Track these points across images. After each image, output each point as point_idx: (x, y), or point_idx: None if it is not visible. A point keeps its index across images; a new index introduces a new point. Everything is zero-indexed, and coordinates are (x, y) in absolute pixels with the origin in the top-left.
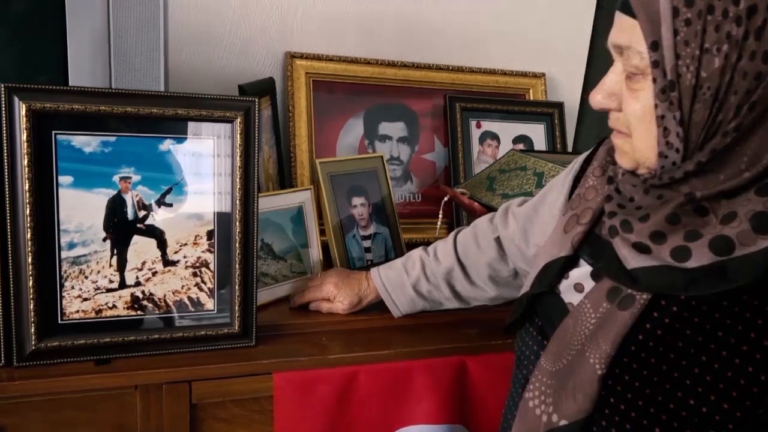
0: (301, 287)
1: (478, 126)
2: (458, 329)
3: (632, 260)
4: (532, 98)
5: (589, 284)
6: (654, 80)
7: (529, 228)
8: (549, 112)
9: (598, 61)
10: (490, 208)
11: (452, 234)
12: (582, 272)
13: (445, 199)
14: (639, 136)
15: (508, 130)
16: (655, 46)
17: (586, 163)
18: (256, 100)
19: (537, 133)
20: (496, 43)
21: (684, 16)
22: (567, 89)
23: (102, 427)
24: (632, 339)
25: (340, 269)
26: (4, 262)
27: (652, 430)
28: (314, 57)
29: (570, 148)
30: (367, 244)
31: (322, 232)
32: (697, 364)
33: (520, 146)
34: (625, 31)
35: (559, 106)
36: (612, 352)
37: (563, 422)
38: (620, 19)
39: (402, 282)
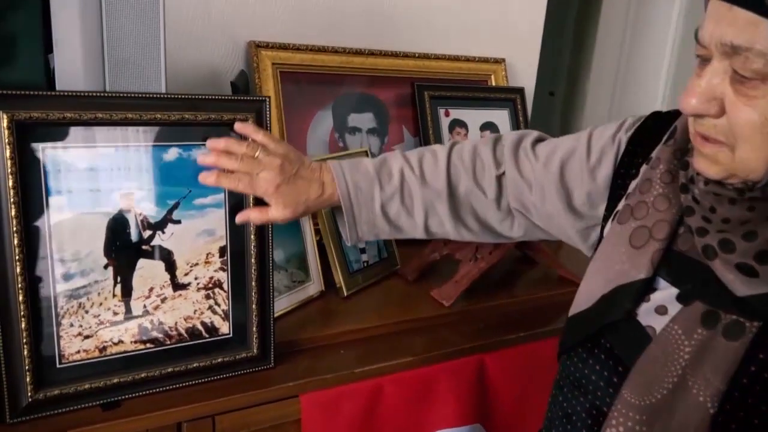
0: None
1: (447, 114)
2: (475, 324)
3: (741, 286)
4: (494, 84)
5: (674, 307)
6: None
7: (549, 188)
8: (512, 98)
9: (549, 46)
10: None
11: (443, 151)
12: (665, 294)
13: None
14: (750, 147)
15: (475, 118)
16: None
17: (634, 145)
18: (267, 99)
19: (502, 119)
20: (455, 30)
21: None
22: (525, 74)
23: None
24: (743, 371)
25: (287, 150)
26: None
27: None
28: (280, 47)
29: None
30: (361, 245)
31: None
32: None
33: (487, 133)
34: (744, 28)
35: (520, 91)
36: (724, 388)
37: None
38: (733, 13)
39: (371, 196)
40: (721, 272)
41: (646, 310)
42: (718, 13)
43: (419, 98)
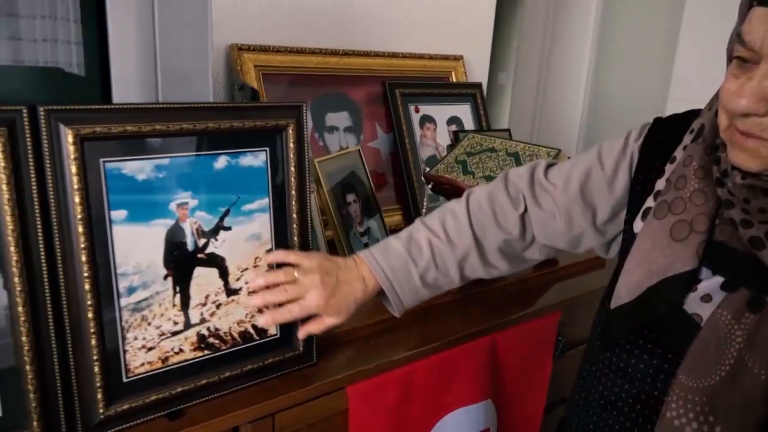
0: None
1: (417, 110)
2: (483, 306)
3: None
4: (455, 80)
5: (718, 295)
6: None
7: (574, 210)
8: (472, 93)
9: (500, 43)
10: None
11: (461, 207)
12: (710, 283)
13: (430, 185)
14: None
15: (441, 113)
16: None
17: (647, 153)
18: (304, 104)
19: (465, 113)
20: (418, 29)
21: None
22: (479, 70)
23: None
24: None
25: (320, 261)
26: (59, 322)
27: None
28: (261, 49)
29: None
30: (365, 240)
31: None
32: None
33: (453, 127)
34: None
35: (479, 86)
36: None
37: None
38: None
39: (409, 275)
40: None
41: (691, 299)
42: None
43: (391, 96)
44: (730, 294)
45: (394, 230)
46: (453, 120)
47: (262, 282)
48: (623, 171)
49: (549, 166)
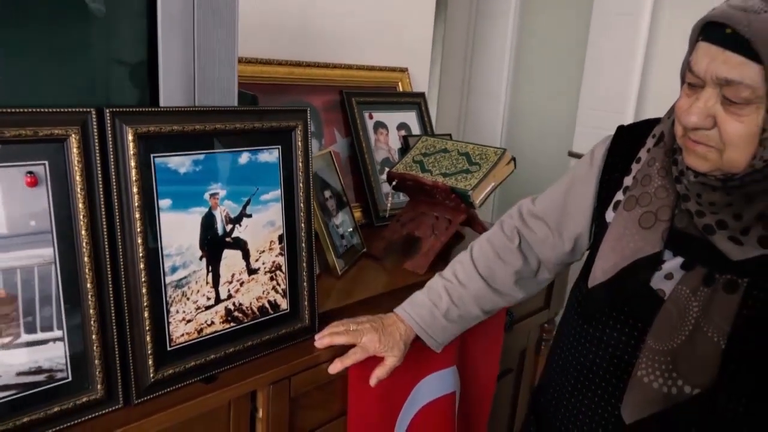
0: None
1: (371, 117)
2: None
3: (736, 254)
4: (401, 89)
5: (678, 273)
6: (767, 110)
7: (564, 224)
8: (417, 101)
9: (448, 60)
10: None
11: (466, 254)
12: (671, 264)
13: (393, 183)
14: (736, 150)
15: (392, 119)
16: None
17: (612, 157)
18: (308, 108)
19: (411, 119)
20: (368, 43)
21: None
22: (421, 80)
23: None
24: (739, 315)
25: (367, 317)
26: (118, 296)
27: (765, 381)
28: None
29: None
30: (341, 231)
31: None
32: None
33: (402, 132)
34: (735, 67)
35: (422, 95)
36: (729, 329)
37: (696, 391)
38: (726, 55)
39: (434, 317)
40: (720, 244)
41: (656, 277)
42: (712, 54)
43: (348, 104)
44: (688, 272)
45: (359, 224)
46: (402, 126)
47: (327, 342)
48: (592, 179)
49: (534, 199)
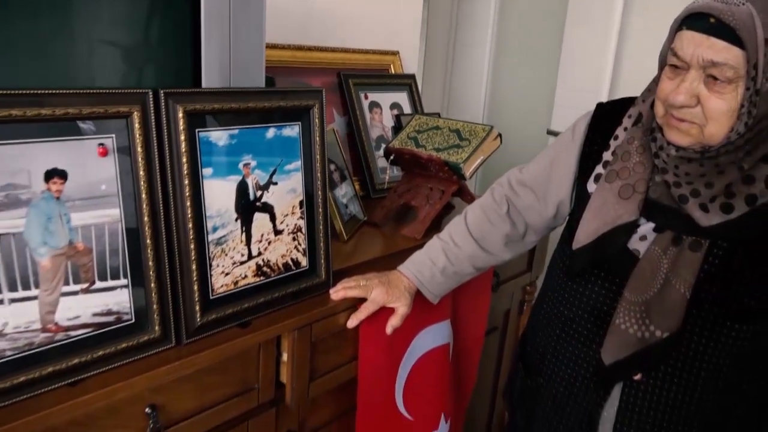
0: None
1: (366, 97)
2: None
3: (705, 219)
4: (393, 72)
5: (651, 235)
6: (747, 88)
7: (548, 192)
8: (408, 82)
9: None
10: (447, 161)
11: (461, 218)
12: (645, 228)
13: (391, 157)
14: (716, 125)
15: (385, 99)
16: (754, 67)
17: (592, 131)
18: (323, 89)
19: (403, 99)
20: (362, 27)
21: None
22: (411, 62)
23: (242, 380)
24: (702, 270)
25: (373, 274)
26: (171, 250)
27: (724, 323)
28: None
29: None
30: (344, 201)
31: None
32: (743, 278)
33: (395, 111)
34: (721, 51)
35: (413, 77)
36: (693, 281)
37: (666, 334)
38: (710, 41)
39: (432, 272)
40: (692, 211)
41: (632, 239)
42: (697, 40)
43: (345, 85)
44: (659, 235)
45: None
46: (395, 105)
47: (341, 294)
48: (574, 149)
49: (522, 168)
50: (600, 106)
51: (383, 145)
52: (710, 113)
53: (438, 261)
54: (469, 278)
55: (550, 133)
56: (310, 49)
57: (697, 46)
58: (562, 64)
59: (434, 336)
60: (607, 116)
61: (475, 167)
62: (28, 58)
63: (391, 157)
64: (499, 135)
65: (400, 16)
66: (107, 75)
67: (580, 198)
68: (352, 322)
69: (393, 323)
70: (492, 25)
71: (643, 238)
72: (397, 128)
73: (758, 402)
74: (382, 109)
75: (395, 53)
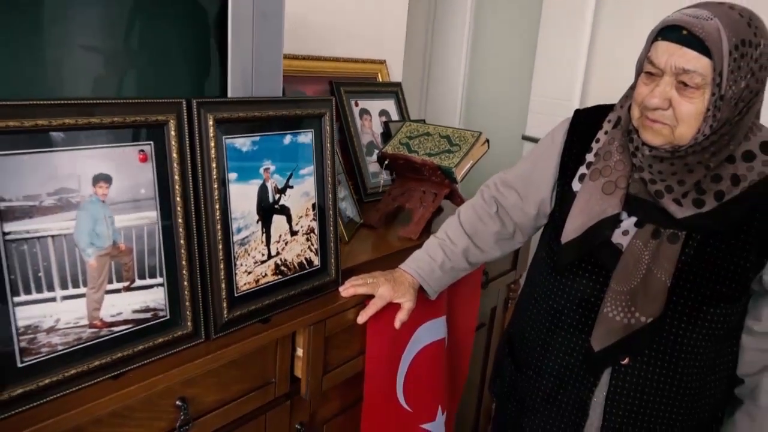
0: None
1: (356, 104)
2: None
3: (679, 212)
4: (380, 80)
5: (632, 230)
6: (713, 94)
7: (529, 192)
8: (395, 90)
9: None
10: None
11: (455, 218)
12: (627, 223)
13: (386, 162)
14: (686, 126)
15: (374, 106)
16: (719, 75)
17: (571, 136)
18: (333, 98)
19: (391, 106)
20: (350, 38)
21: (733, 57)
22: (396, 71)
23: (260, 375)
24: (680, 260)
25: (379, 272)
26: (201, 250)
27: (700, 308)
28: None
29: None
30: (343, 205)
31: None
32: (716, 266)
33: (383, 118)
34: (691, 60)
35: (399, 85)
36: (672, 270)
37: (650, 319)
38: (682, 51)
39: (432, 268)
40: (667, 205)
41: (616, 234)
42: (671, 50)
43: (337, 93)
44: (640, 229)
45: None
46: (383, 112)
47: (351, 291)
48: (554, 154)
49: (507, 171)
50: (578, 112)
51: (376, 151)
52: (680, 116)
53: (437, 257)
54: (463, 274)
55: (526, 138)
56: (304, 58)
57: (670, 54)
58: (536, 73)
59: (431, 331)
60: (584, 121)
61: (466, 171)
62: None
63: (386, 162)
64: (487, 140)
65: (386, 27)
66: (139, 86)
67: (564, 197)
68: (362, 318)
69: (401, 317)
70: (467, 35)
71: (625, 233)
72: (386, 134)
73: (728, 375)
74: (371, 116)
75: (382, 62)
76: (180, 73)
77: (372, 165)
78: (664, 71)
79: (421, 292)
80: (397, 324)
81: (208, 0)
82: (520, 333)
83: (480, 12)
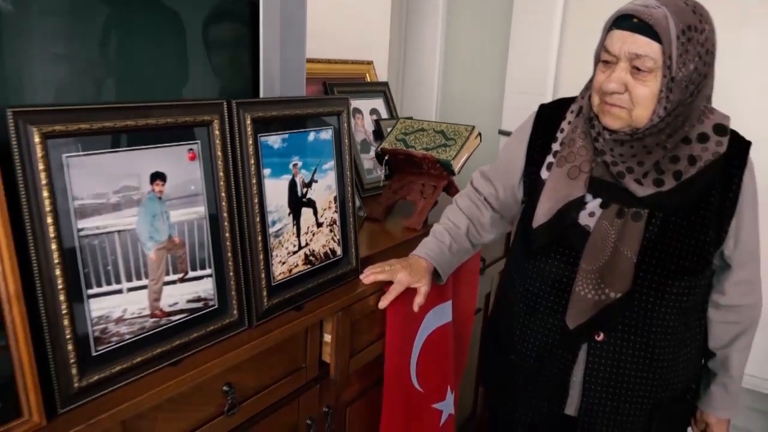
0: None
1: (349, 104)
2: None
3: (640, 191)
4: (369, 80)
5: (598, 211)
6: (664, 76)
7: (501, 182)
8: (383, 90)
9: (398, 55)
10: (439, 158)
11: (453, 206)
12: (592, 204)
13: (386, 158)
14: (642, 109)
15: (365, 106)
16: (669, 57)
17: (536, 128)
18: (348, 97)
19: (380, 105)
20: (339, 39)
21: (680, 41)
22: (382, 71)
23: (292, 360)
24: (644, 237)
25: (393, 260)
26: (243, 242)
27: (665, 282)
28: None
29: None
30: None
31: None
32: (678, 241)
33: (374, 117)
34: (643, 46)
35: (386, 84)
36: (638, 247)
37: (618, 295)
38: (634, 37)
39: (442, 251)
40: (629, 185)
41: (582, 216)
42: (624, 37)
43: (331, 93)
44: (605, 210)
45: None
46: (373, 111)
47: (372, 278)
48: (521, 147)
49: (487, 164)
50: (542, 106)
51: (373, 148)
52: (636, 98)
53: (445, 240)
54: (467, 257)
55: (502, 132)
56: None
57: (624, 41)
58: (509, 69)
59: (439, 315)
60: (549, 114)
61: (462, 163)
62: (127, 75)
63: (386, 158)
64: (479, 134)
65: (372, 28)
66: (181, 90)
67: (533, 185)
68: (383, 303)
69: (418, 301)
70: (440, 32)
71: (591, 214)
72: (378, 132)
73: (698, 348)
74: (363, 115)
75: (370, 62)
76: (214, 77)
77: (367, 162)
78: (619, 58)
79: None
80: (415, 307)
81: (240, 7)
82: (501, 318)
83: (452, 9)
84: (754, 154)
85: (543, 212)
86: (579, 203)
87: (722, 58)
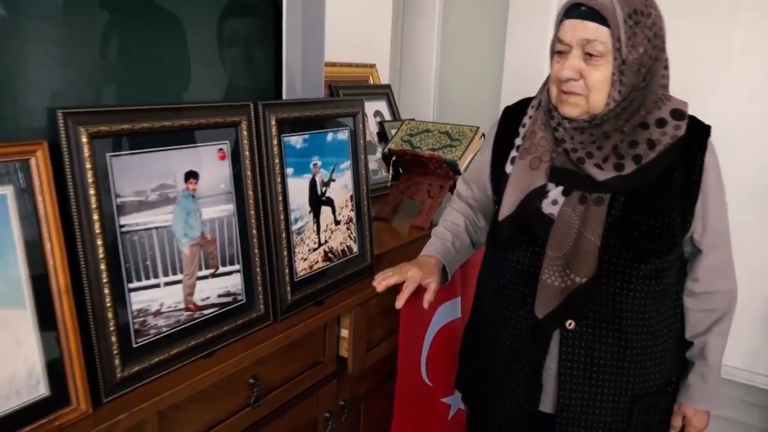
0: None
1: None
2: None
3: (600, 175)
4: (372, 82)
5: (561, 199)
6: (615, 59)
7: (477, 183)
8: (385, 92)
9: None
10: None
11: (449, 208)
12: (555, 192)
13: (393, 158)
14: (597, 94)
15: (368, 108)
16: (618, 40)
17: (500, 128)
18: (363, 98)
19: (383, 107)
20: (343, 44)
21: (628, 24)
22: (384, 74)
23: (311, 355)
24: (607, 220)
25: (403, 262)
26: (268, 239)
27: (632, 265)
28: None
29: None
30: None
31: None
32: (642, 224)
33: (378, 118)
34: (592, 31)
35: (389, 86)
36: (601, 231)
37: (583, 279)
38: (584, 24)
39: (447, 249)
40: (589, 170)
41: (545, 204)
42: (575, 25)
43: (337, 95)
44: (567, 197)
45: None
46: (377, 113)
47: (384, 284)
48: (488, 148)
49: (468, 170)
50: (507, 107)
51: (377, 149)
52: (591, 84)
53: (448, 238)
54: (469, 254)
55: None
56: None
57: (574, 29)
58: (505, 70)
59: (449, 312)
60: (512, 114)
61: (467, 163)
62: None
63: (393, 159)
64: (483, 134)
65: (374, 31)
66: (207, 92)
67: (499, 181)
68: (400, 303)
69: (428, 297)
70: (437, 34)
71: (554, 202)
72: (382, 134)
73: (676, 338)
74: (367, 117)
75: (372, 65)
76: (241, 79)
77: (371, 163)
78: (572, 46)
79: None
80: (425, 304)
81: (264, 14)
82: (477, 315)
83: (448, 10)
84: (741, 150)
85: (508, 205)
86: (541, 192)
87: (711, 58)
